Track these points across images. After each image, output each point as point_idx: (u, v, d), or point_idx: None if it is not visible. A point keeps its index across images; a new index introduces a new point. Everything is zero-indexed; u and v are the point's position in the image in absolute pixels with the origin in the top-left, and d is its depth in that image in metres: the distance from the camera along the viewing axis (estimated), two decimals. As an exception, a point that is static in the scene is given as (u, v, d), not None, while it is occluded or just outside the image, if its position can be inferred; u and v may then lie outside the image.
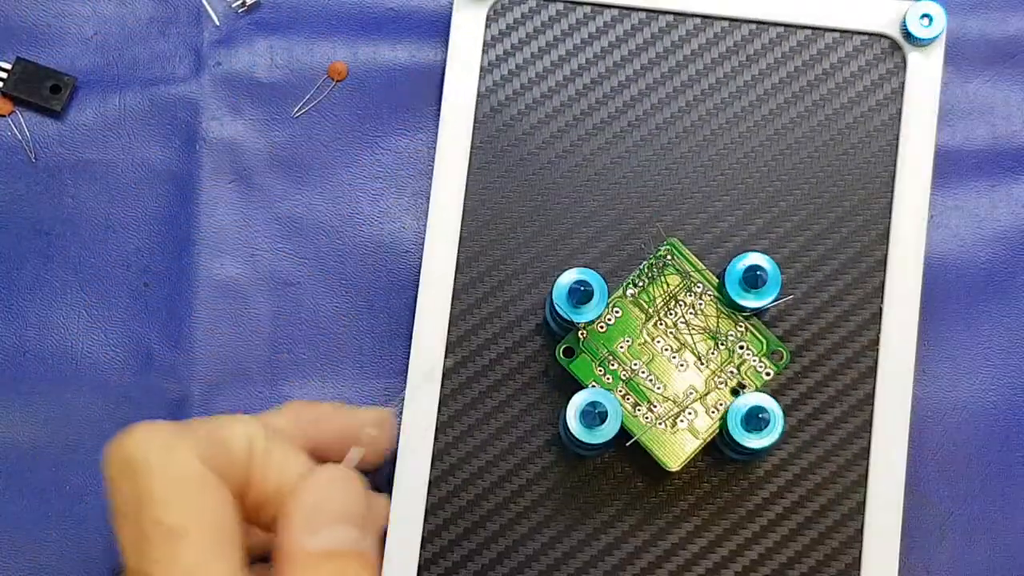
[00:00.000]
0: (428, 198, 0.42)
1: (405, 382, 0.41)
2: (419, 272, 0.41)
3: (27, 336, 0.42)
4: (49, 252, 0.42)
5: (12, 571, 0.41)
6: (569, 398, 0.36)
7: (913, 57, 0.40)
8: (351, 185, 0.42)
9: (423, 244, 0.42)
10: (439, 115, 0.42)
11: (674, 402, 0.38)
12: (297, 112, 0.43)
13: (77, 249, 0.42)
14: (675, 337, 0.38)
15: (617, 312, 0.38)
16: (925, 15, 0.40)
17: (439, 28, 0.43)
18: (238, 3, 0.43)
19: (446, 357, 0.39)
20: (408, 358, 0.41)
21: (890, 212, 0.40)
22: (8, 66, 0.42)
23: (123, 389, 0.41)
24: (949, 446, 0.41)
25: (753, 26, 0.41)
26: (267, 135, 0.42)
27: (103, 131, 0.43)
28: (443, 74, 0.42)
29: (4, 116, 0.43)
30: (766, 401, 0.36)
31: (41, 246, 0.42)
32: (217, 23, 0.43)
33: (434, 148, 0.42)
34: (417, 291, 0.41)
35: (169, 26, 0.43)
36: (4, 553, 0.41)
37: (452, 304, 0.40)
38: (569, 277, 0.37)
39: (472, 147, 0.40)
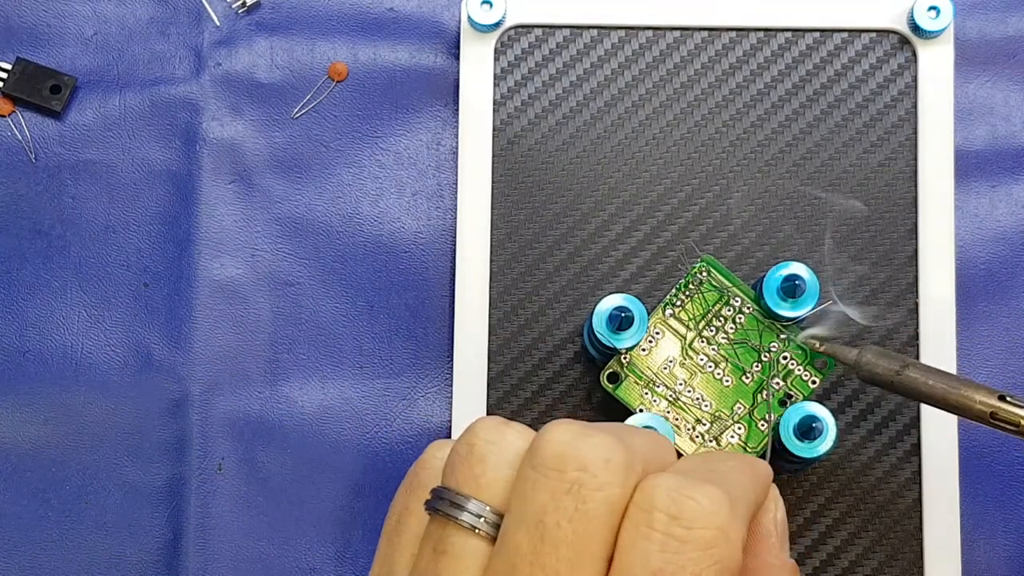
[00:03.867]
0: (428, 199, 0.42)
1: (406, 382, 0.41)
2: (419, 272, 0.41)
3: (27, 336, 0.42)
4: (49, 252, 0.42)
5: (12, 571, 0.41)
6: (617, 420, 0.36)
7: (923, 50, 0.40)
8: (351, 185, 0.42)
9: (423, 245, 0.42)
10: (439, 116, 0.42)
11: (721, 418, 0.37)
12: (297, 113, 0.43)
13: (77, 249, 0.42)
14: (717, 353, 0.38)
15: (658, 333, 0.38)
16: (932, 7, 0.40)
17: (439, 29, 0.43)
18: (238, 3, 0.43)
19: (488, 394, 0.39)
20: (408, 358, 0.41)
21: (916, 206, 0.40)
22: (8, 66, 0.42)
23: (123, 389, 0.41)
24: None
25: (761, 34, 0.41)
26: (267, 135, 0.42)
27: (103, 131, 0.43)
28: (443, 75, 0.42)
29: (4, 116, 0.43)
30: (818, 410, 0.36)
31: (41, 246, 0.42)
32: (217, 23, 0.43)
33: (435, 149, 0.42)
34: (417, 292, 0.41)
35: (169, 26, 0.43)
36: (4, 553, 0.41)
37: (489, 340, 0.40)
38: (608, 304, 0.37)
39: (493, 181, 0.40)
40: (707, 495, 0.26)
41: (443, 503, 0.28)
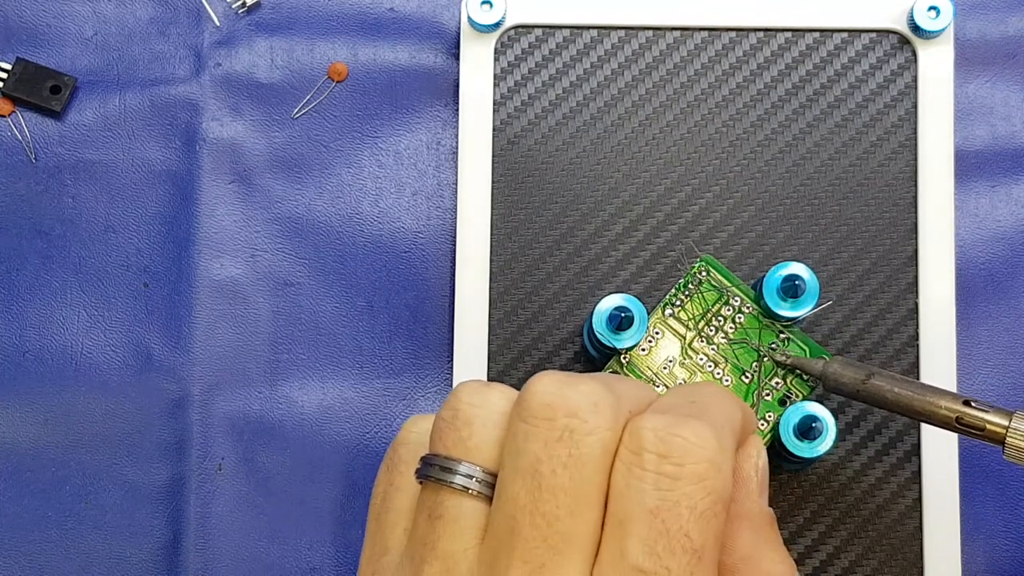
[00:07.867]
0: (428, 198, 0.42)
1: (406, 382, 0.41)
2: (419, 272, 0.41)
3: (27, 336, 0.42)
4: (49, 252, 0.42)
5: (12, 571, 0.41)
6: None
7: (923, 50, 0.40)
8: (351, 185, 0.42)
9: (423, 245, 0.42)
10: (439, 116, 0.42)
11: None
12: (297, 113, 0.43)
13: (77, 249, 0.42)
14: (717, 353, 0.38)
15: (657, 333, 0.38)
16: (932, 7, 0.40)
17: (439, 29, 0.43)
18: (238, 3, 0.43)
19: None
20: (408, 358, 0.41)
21: (916, 205, 0.40)
22: (8, 66, 0.42)
23: (123, 389, 0.41)
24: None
25: (760, 34, 0.41)
26: (267, 136, 0.42)
27: (103, 131, 0.43)
28: (443, 75, 0.42)
29: (4, 116, 0.43)
30: (818, 409, 0.36)
31: (41, 246, 0.42)
32: (217, 23, 0.43)
33: (435, 149, 0.42)
34: (417, 292, 0.41)
35: (169, 26, 0.43)
36: (4, 553, 0.41)
37: (489, 340, 0.40)
38: (608, 304, 0.37)
39: (493, 181, 0.40)
40: (692, 430, 0.27)
41: (433, 469, 0.28)
